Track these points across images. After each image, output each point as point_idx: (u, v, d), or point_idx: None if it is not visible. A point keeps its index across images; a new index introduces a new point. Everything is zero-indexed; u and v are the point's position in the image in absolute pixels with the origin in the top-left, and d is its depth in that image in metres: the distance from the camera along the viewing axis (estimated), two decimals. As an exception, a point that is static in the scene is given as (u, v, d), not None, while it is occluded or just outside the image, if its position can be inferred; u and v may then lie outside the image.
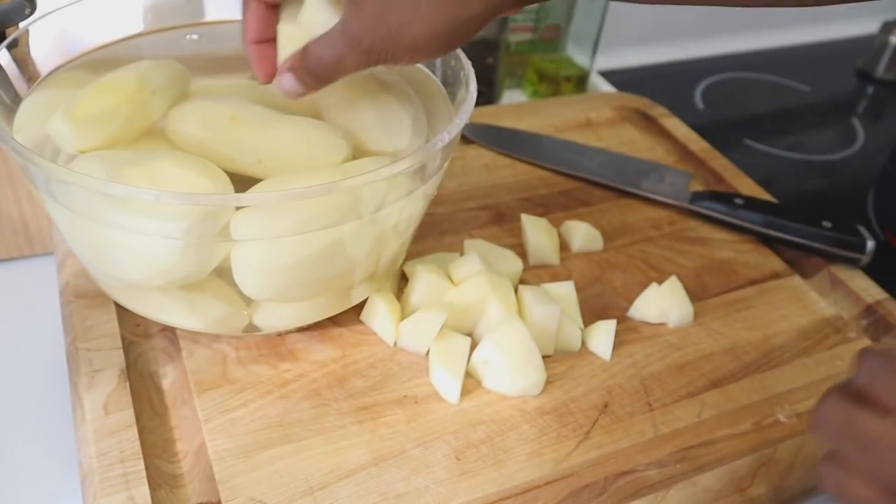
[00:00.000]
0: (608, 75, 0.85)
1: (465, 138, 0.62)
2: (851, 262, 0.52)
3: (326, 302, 0.41)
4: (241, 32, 0.39)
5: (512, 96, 0.79)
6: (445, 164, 0.39)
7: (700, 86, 0.89)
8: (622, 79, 0.85)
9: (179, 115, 0.39)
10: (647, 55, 0.92)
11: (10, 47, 0.39)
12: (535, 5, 0.74)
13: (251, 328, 0.40)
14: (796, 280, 0.52)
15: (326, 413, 0.39)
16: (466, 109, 0.38)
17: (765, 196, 0.59)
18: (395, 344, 0.43)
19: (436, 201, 0.54)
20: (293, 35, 0.37)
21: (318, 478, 0.36)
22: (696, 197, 0.56)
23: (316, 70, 0.35)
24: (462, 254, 0.49)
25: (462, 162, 0.59)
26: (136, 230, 0.33)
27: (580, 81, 0.78)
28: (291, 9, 0.37)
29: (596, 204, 0.57)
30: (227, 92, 0.43)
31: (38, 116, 0.38)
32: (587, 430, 0.40)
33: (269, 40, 0.38)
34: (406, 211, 0.39)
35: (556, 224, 0.53)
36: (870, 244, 0.51)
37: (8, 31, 0.43)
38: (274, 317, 0.40)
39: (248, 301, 0.39)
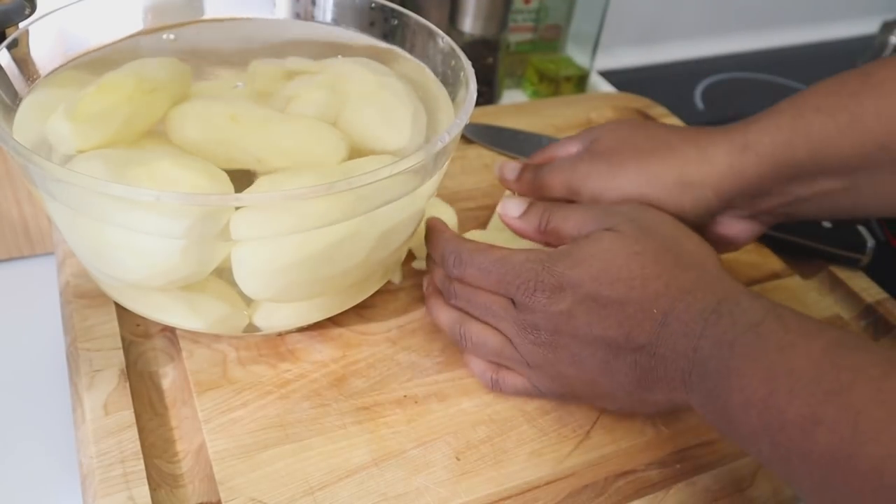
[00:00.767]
0: (608, 75, 0.85)
1: (465, 138, 0.61)
2: (851, 262, 0.52)
3: (326, 302, 0.41)
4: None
5: (512, 96, 0.79)
6: (445, 164, 0.39)
7: (700, 86, 0.89)
8: (622, 79, 0.85)
9: (179, 114, 0.39)
10: (647, 55, 0.92)
11: (10, 47, 0.39)
12: (534, 4, 0.75)
13: (251, 328, 0.40)
14: (796, 280, 0.52)
15: (326, 413, 0.39)
16: (466, 109, 0.38)
17: (765, 196, 0.59)
18: None
19: (436, 201, 0.54)
20: None
21: (318, 478, 0.36)
22: (696, 197, 0.56)
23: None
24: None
25: (462, 162, 0.59)
26: (136, 229, 0.33)
27: (580, 81, 0.78)
28: None
29: (596, 204, 0.57)
30: (227, 92, 0.43)
31: (37, 116, 0.38)
32: (587, 430, 0.40)
33: None
34: (406, 211, 0.39)
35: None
36: (870, 244, 0.51)
37: (8, 31, 0.43)
38: (274, 317, 0.40)
39: (248, 301, 0.39)
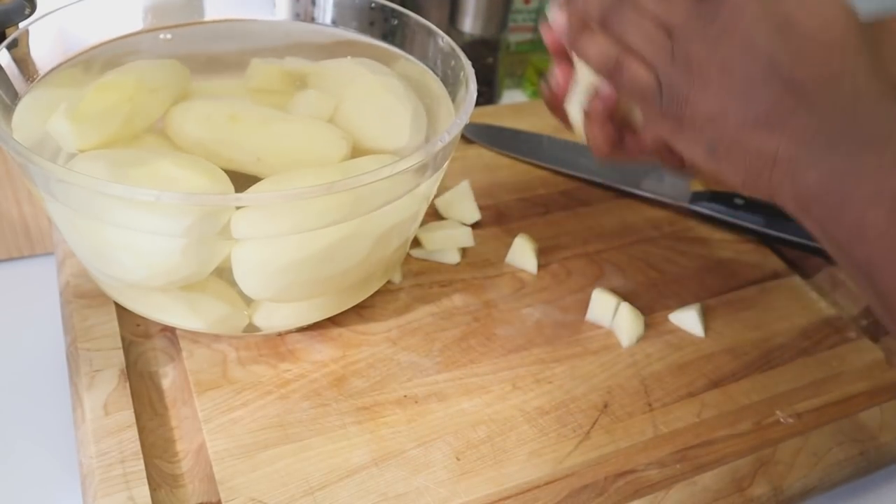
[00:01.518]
0: (608, 75, 0.85)
1: (465, 138, 0.61)
2: (851, 262, 0.52)
3: (326, 302, 0.41)
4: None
5: (512, 96, 0.79)
6: (445, 164, 0.39)
7: (700, 86, 0.89)
8: (622, 79, 0.85)
9: (179, 114, 0.40)
10: (647, 55, 0.92)
11: (10, 47, 0.39)
12: (534, 4, 0.74)
13: (251, 328, 0.40)
14: (796, 280, 0.52)
15: (326, 413, 0.39)
16: (466, 109, 0.38)
17: (765, 196, 0.59)
18: None
19: (436, 201, 0.54)
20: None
21: (318, 478, 0.36)
22: (696, 197, 0.56)
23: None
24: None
25: (462, 162, 0.59)
26: (136, 228, 0.33)
27: (580, 81, 0.78)
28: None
29: (596, 204, 0.57)
30: (227, 91, 0.43)
31: (36, 115, 0.38)
32: (587, 430, 0.40)
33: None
34: (406, 211, 0.39)
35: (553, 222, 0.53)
36: (870, 244, 0.51)
37: (8, 31, 0.43)
38: (274, 317, 0.40)
39: (248, 301, 0.39)
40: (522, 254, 0.50)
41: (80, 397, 0.38)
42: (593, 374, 0.43)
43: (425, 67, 0.46)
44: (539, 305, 0.47)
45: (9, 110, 0.38)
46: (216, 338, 0.42)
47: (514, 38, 0.77)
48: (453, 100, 0.43)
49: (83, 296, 0.43)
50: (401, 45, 0.47)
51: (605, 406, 0.42)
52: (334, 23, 0.48)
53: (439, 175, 0.40)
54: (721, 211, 0.55)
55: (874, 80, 0.32)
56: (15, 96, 0.39)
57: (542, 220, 0.55)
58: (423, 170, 0.36)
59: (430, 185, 0.39)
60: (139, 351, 0.42)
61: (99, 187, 0.31)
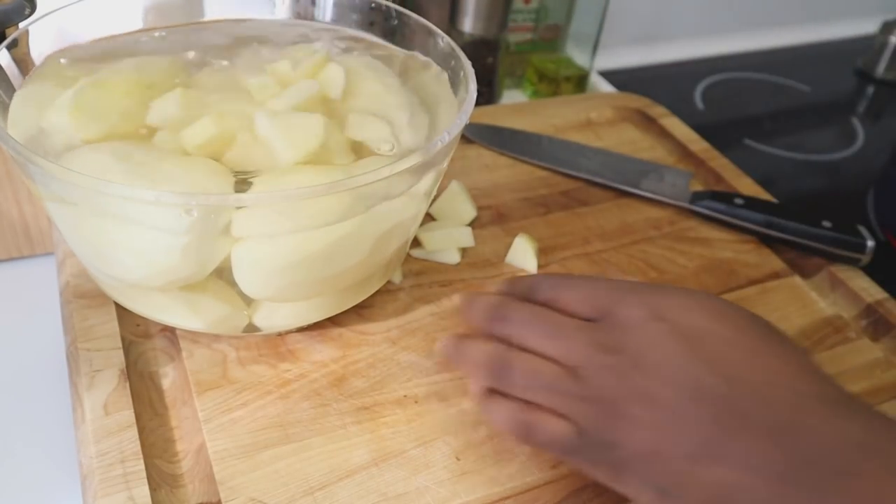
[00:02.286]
0: (608, 75, 0.85)
1: (465, 138, 0.61)
2: (851, 262, 0.52)
3: (326, 302, 0.41)
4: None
5: (512, 96, 0.79)
6: (446, 164, 0.39)
7: (700, 86, 0.89)
8: (622, 79, 0.85)
9: (179, 111, 0.40)
10: (647, 55, 0.92)
11: (10, 47, 0.39)
12: (534, 4, 0.75)
13: (251, 328, 0.40)
14: (796, 280, 0.52)
15: (326, 413, 0.39)
16: (466, 109, 0.38)
17: (765, 196, 0.59)
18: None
19: (436, 201, 0.54)
20: None
21: (318, 478, 0.36)
22: (696, 197, 0.56)
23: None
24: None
25: (462, 162, 0.59)
26: (138, 222, 0.33)
27: (580, 81, 0.78)
28: None
29: (596, 204, 0.57)
30: (225, 89, 0.43)
31: (32, 109, 0.38)
32: (587, 430, 0.40)
33: None
34: (406, 211, 0.39)
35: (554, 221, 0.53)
36: (870, 244, 0.51)
37: (8, 31, 0.43)
38: (274, 317, 0.40)
39: (248, 301, 0.39)
40: (523, 254, 0.50)
41: (80, 397, 0.38)
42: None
43: (425, 63, 0.45)
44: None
45: (6, 109, 0.38)
46: (216, 338, 0.42)
47: (514, 38, 0.77)
48: (453, 98, 0.43)
49: (83, 296, 0.43)
50: (401, 45, 0.47)
51: (605, 406, 0.42)
52: (334, 23, 0.48)
53: (439, 175, 0.40)
54: (721, 211, 0.55)
55: (817, 380, 0.29)
56: (12, 95, 0.39)
57: (542, 220, 0.55)
58: (423, 169, 0.36)
59: (430, 185, 0.39)
60: (139, 351, 0.42)
61: (99, 187, 0.31)
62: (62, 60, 0.42)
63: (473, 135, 0.62)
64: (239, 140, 0.38)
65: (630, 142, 0.65)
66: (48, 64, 0.41)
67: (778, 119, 0.85)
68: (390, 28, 0.47)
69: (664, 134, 0.66)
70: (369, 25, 0.48)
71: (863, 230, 0.52)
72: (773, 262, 0.54)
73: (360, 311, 0.45)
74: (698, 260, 0.53)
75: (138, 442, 0.36)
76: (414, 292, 0.47)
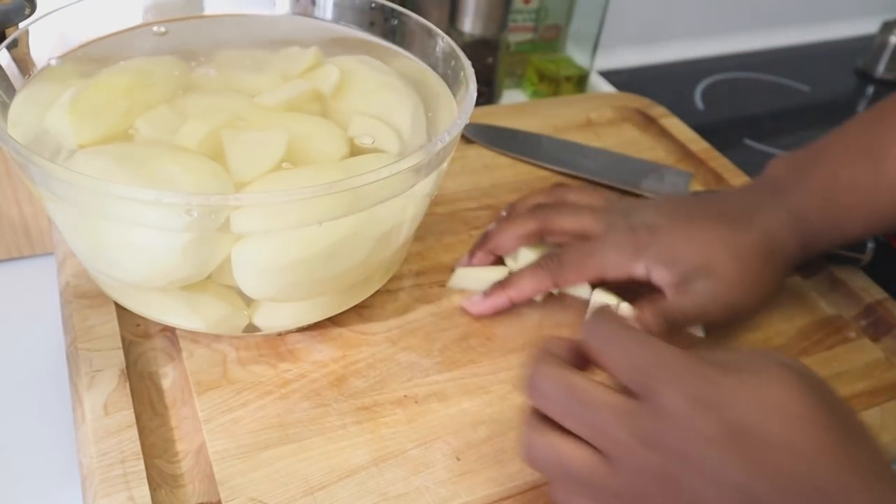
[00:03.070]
0: (608, 75, 0.85)
1: (465, 138, 0.61)
2: (851, 262, 0.52)
3: (326, 302, 0.41)
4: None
5: (512, 96, 0.79)
6: (446, 164, 0.39)
7: (700, 86, 0.89)
8: (622, 79, 0.85)
9: (178, 111, 0.40)
10: (647, 55, 0.92)
11: (10, 47, 0.39)
12: (534, 4, 0.75)
13: (251, 328, 0.40)
14: (796, 280, 0.52)
15: (326, 413, 0.39)
16: (466, 109, 0.38)
17: (765, 196, 0.59)
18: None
19: (436, 201, 0.54)
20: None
21: (318, 478, 0.36)
22: (696, 197, 0.56)
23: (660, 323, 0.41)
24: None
25: (462, 162, 0.59)
26: (137, 223, 0.33)
27: (580, 81, 0.78)
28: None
29: (596, 204, 0.57)
30: (225, 87, 0.43)
31: (33, 110, 0.38)
32: (587, 430, 0.40)
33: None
34: (406, 212, 0.39)
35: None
36: (870, 244, 0.51)
37: (8, 31, 0.43)
38: (274, 317, 0.40)
39: (248, 301, 0.39)
40: (525, 254, 0.50)
41: (80, 397, 0.38)
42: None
43: (425, 66, 0.46)
44: (539, 305, 0.47)
45: (7, 109, 0.38)
46: (216, 338, 0.42)
47: (514, 38, 0.77)
48: (453, 98, 0.43)
49: (83, 296, 0.43)
50: (401, 45, 0.47)
51: (605, 406, 0.42)
52: (334, 22, 0.48)
53: (439, 175, 0.40)
54: (721, 211, 0.55)
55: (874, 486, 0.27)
56: (13, 96, 0.39)
57: (542, 220, 0.54)
58: (423, 169, 0.36)
59: (430, 185, 0.39)
60: (139, 351, 0.42)
61: (99, 187, 0.31)
62: (63, 61, 0.42)
63: (473, 135, 0.62)
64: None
65: (630, 142, 0.65)
66: (50, 64, 0.41)
67: (778, 119, 0.85)
68: (390, 28, 0.47)
69: (664, 134, 0.66)
70: (369, 25, 0.48)
71: (863, 230, 0.52)
72: (773, 262, 0.54)
73: (360, 311, 0.45)
74: (698, 260, 0.53)
75: (138, 442, 0.36)
76: (414, 292, 0.47)
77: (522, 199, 0.50)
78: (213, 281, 0.37)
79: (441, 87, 0.44)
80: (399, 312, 0.46)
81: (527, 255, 0.47)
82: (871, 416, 0.43)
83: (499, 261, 0.49)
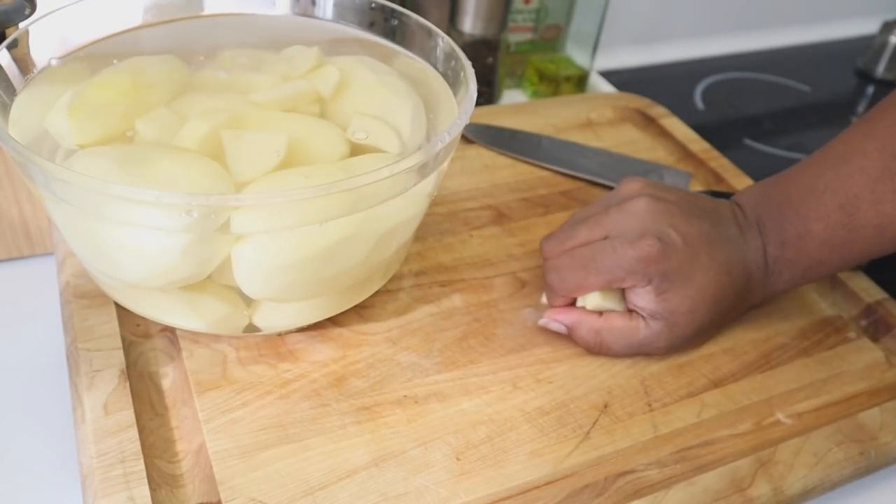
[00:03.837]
0: (608, 75, 0.85)
1: (465, 138, 0.61)
2: (851, 262, 0.52)
3: (326, 302, 0.41)
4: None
5: (512, 96, 0.79)
6: (446, 164, 0.39)
7: (700, 86, 0.89)
8: (622, 79, 0.85)
9: (178, 111, 0.40)
10: (647, 55, 0.92)
11: (10, 47, 0.39)
12: (534, 4, 0.74)
13: (251, 328, 0.40)
14: (796, 280, 0.52)
15: (326, 413, 0.39)
16: (466, 109, 0.38)
17: (765, 196, 0.59)
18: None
19: (436, 201, 0.54)
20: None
21: (318, 478, 0.36)
22: (696, 197, 0.56)
23: (600, 350, 0.44)
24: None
25: (462, 162, 0.59)
26: (136, 224, 0.33)
27: (580, 81, 0.78)
28: None
29: (596, 204, 0.57)
30: (225, 87, 0.43)
31: (33, 111, 0.38)
32: (587, 431, 0.40)
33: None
34: (406, 212, 0.39)
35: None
36: (870, 244, 0.51)
37: (8, 31, 0.43)
38: (274, 317, 0.40)
39: (248, 301, 0.39)
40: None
41: (80, 397, 0.38)
42: (593, 374, 0.43)
43: (426, 64, 0.46)
44: (539, 305, 0.47)
45: (8, 110, 0.38)
46: (216, 338, 0.42)
47: (514, 38, 0.77)
48: (454, 98, 0.43)
49: (83, 296, 0.43)
50: (401, 45, 0.47)
51: (605, 406, 0.42)
52: (334, 22, 0.48)
53: (439, 175, 0.40)
54: (721, 211, 0.55)
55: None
56: (14, 96, 0.39)
57: (542, 220, 0.55)
58: (423, 169, 0.36)
59: (430, 185, 0.39)
60: (139, 351, 0.42)
61: (99, 187, 0.31)
62: (63, 61, 0.42)
63: (473, 135, 0.62)
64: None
65: (630, 142, 0.65)
66: (50, 64, 0.41)
67: (778, 119, 0.85)
68: (390, 28, 0.47)
69: (664, 134, 0.66)
70: (369, 25, 0.48)
71: (863, 230, 0.52)
72: (773, 262, 0.54)
73: (360, 311, 0.45)
74: (698, 260, 0.53)
75: (138, 442, 0.36)
76: (414, 292, 0.47)
77: (560, 241, 0.46)
78: (213, 281, 0.37)
79: (441, 86, 0.44)
80: (399, 312, 0.46)
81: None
82: (870, 416, 0.43)
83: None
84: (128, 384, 0.39)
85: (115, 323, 0.42)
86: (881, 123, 0.43)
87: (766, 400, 0.44)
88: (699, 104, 0.85)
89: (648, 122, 0.68)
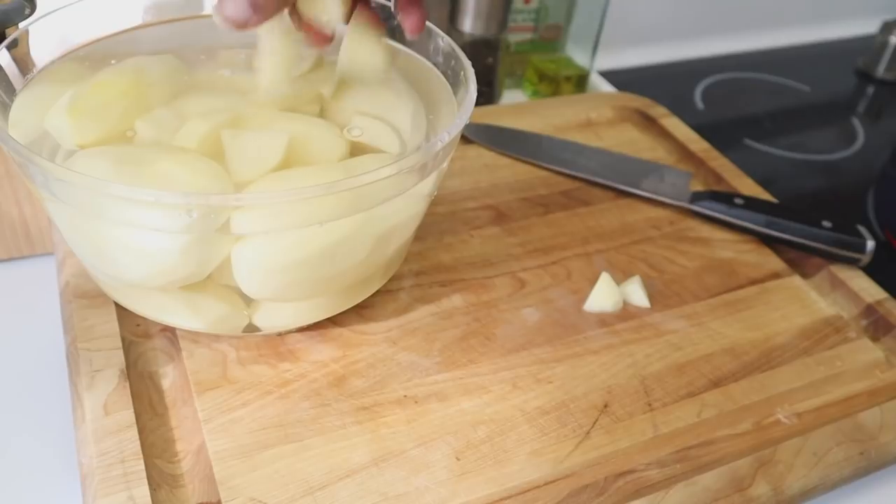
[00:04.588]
0: (608, 75, 0.85)
1: (465, 138, 0.62)
2: (851, 262, 0.52)
3: (326, 302, 0.41)
4: None
5: (512, 96, 0.79)
6: (446, 164, 0.39)
7: (700, 86, 0.89)
8: (622, 79, 0.85)
9: (178, 111, 0.40)
10: (647, 55, 0.92)
11: (10, 47, 0.39)
12: (534, 4, 0.75)
13: (251, 328, 0.40)
14: (796, 280, 0.52)
15: (326, 413, 0.39)
16: (466, 109, 0.38)
17: (765, 196, 0.59)
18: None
19: (436, 201, 0.54)
20: None
21: (318, 478, 0.36)
22: (696, 197, 0.56)
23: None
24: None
25: (462, 162, 0.59)
26: (136, 224, 0.33)
27: (580, 81, 0.78)
28: None
29: (596, 204, 0.57)
30: (225, 87, 0.43)
31: (34, 111, 0.38)
32: (587, 430, 0.40)
33: None
34: (406, 212, 0.39)
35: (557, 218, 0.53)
36: (870, 244, 0.51)
37: (8, 31, 0.43)
38: (274, 317, 0.40)
39: (248, 301, 0.39)
40: (633, 292, 0.49)
41: (80, 397, 0.38)
42: (593, 374, 0.43)
43: (428, 63, 0.45)
44: (539, 305, 0.47)
45: (8, 110, 0.38)
46: (216, 338, 0.42)
47: (514, 38, 0.77)
48: (454, 97, 0.43)
49: (83, 296, 0.43)
50: (401, 45, 0.47)
51: (605, 406, 0.42)
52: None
53: (439, 174, 0.40)
54: (721, 211, 0.55)
55: None
56: (14, 96, 0.39)
57: (542, 220, 0.55)
58: (423, 169, 0.36)
59: (430, 185, 0.39)
60: (139, 351, 0.42)
61: (99, 187, 0.31)
62: (63, 61, 0.42)
63: (473, 135, 0.62)
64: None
65: (630, 142, 0.65)
66: (51, 64, 0.41)
67: (778, 119, 0.85)
68: (390, 28, 0.47)
69: (664, 134, 0.66)
70: (369, 25, 0.48)
71: (863, 230, 0.52)
72: (774, 261, 0.54)
73: (360, 311, 0.45)
74: (698, 260, 0.53)
75: (138, 442, 0.36)
76: (414, 292, 0.47)
77: None
78: (213, 281, 0.37)
79: (442, 86, 0.44)
80: (399, 312, 0.46)
81: None
82: (870, 416, 0.43)
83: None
84: (128, 384, 0.39)
85: (115, 323, 0.42)
86: None
87: (766, 400, 0.44)
88: (699, 104, 0.85)
89: (648, 122, 0.68)
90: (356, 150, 0.40)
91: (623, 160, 0.61)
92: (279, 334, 0.43)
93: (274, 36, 0.38)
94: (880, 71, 0.94)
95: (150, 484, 0.35)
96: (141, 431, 0.37)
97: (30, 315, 0.48)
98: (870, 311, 0.50)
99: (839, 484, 0.41)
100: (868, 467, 0.41)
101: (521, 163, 0.60)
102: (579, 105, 0.69)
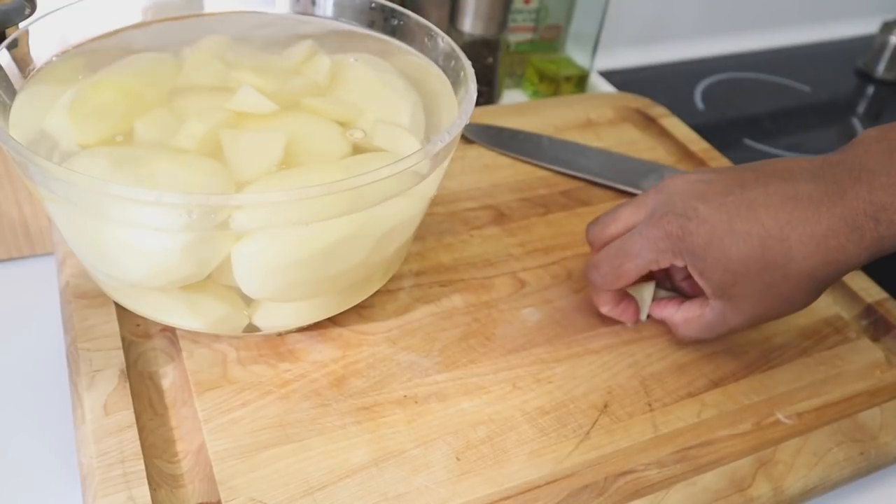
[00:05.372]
0: (608, 75, 0.85)
1: (466, 138, 0.62)
2: (851, 262, 0.52)
3: (326, 302, 0.41)
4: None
5: (512, 96, 0.79)
6: (446, 164, 0.39)
7: (700, 86, 0.89)
8: (622, 79, 0.85)
9: (178, 110, 0.40)
10: (647, 55, 0.92)
11: (10, 47, 0.39)
12: (534, 4, 0.75)
13: (251, 328, 0.40)
14: (796, 280, 0.52)
15: (326, 413, 0.39)
16: (466, 109, 0.38)
17: (765, 196, 0.59)
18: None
19: (436, 201, 0.54)
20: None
21: (318, 478, 0.36)
22: (696, 197, 0.56)
23: (685, 339, 0.44)
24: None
25: (462, 162, 0.59)
26: (135, 223, 0.33)
27: (580, 81, 0.78)
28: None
29: (596, 204, 0.57)
30: (224, 87, 0.43)
31: (34, 111, 0.38)
32: (587, 430, 0.40)
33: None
34: (406, 212, 0.39)
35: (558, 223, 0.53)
36: (870, 244, 0.51)
37: (8, 31, 0.43)
38: (274, 317, 0.40)
39: (248, 301, 0.39)
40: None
41: (80, 397, 0.38)
42: (593, 374, 0.43)
43: (428, 61, 0.45)
44: (539, 305, 0.47)
45: (8, 109, 0.38)
46: (216, 338, 0.42)
47: (514, 38, 0.77)
48: (454, 97, 0.43)
49: (83, 296, 0.43)
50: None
51: (605, 406, 0.42)
52: (334, 20, 0.48)
53: (439, 174, 0.40)
54: (721, 211, 0.55)
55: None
56: (14, 96, 0.39)
57: (542, 220, 0.55)
58: (423, 169, 0.36)
59: (430, 185, 0.39)
60: (139, 351, 0.42)
61: (99, 187, 0.31)
62: (63, 61, 0.42)
63: (473, 135, 0.62)
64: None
65: (630, 142, 0.65)
66: (51, 64, 0.41)
67: (778, 119, 0.85)
68: (390, 28, 0.47)
69: (664, 134, 0.66)
70: (369, 25, 0.48)
71: (863, 230, 0.52)
72: (773, 262, 0.54)
73: (360, 311, 0.45)
74: (698, 260, 0.53)
75: (138, 442, 0.36)
76: (414, 292, 0.47)
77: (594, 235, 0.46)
78: (213, 281, 0.37)
79: (442, 85, 0.44)
80: (399, 312, 0.46)
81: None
82: (870, 416, 0.43)
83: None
84: (128, 384, 0.39)
85: (115, 323, 0.42)
86: None
87: (766, 400, 0.44)
88: (699, 104, 0.85)
89: (648, 122, 0.68)
90: (357, 149, 0.40)
91: (623, 160, 0.61)
92: (279, 334, 0.43)
93: None
94: (880, 71, 0.94)
95: (150, 484, 0.35)
96: (141, 431, 0.37)
97: (30, 315, 0.48)
98: (870, 311, 0.50)
99: (839, 484, 0.41)
100: (868, 467, 0.41)
101: (521, 163, 0.60)
102: (579, 105, 0.69)
